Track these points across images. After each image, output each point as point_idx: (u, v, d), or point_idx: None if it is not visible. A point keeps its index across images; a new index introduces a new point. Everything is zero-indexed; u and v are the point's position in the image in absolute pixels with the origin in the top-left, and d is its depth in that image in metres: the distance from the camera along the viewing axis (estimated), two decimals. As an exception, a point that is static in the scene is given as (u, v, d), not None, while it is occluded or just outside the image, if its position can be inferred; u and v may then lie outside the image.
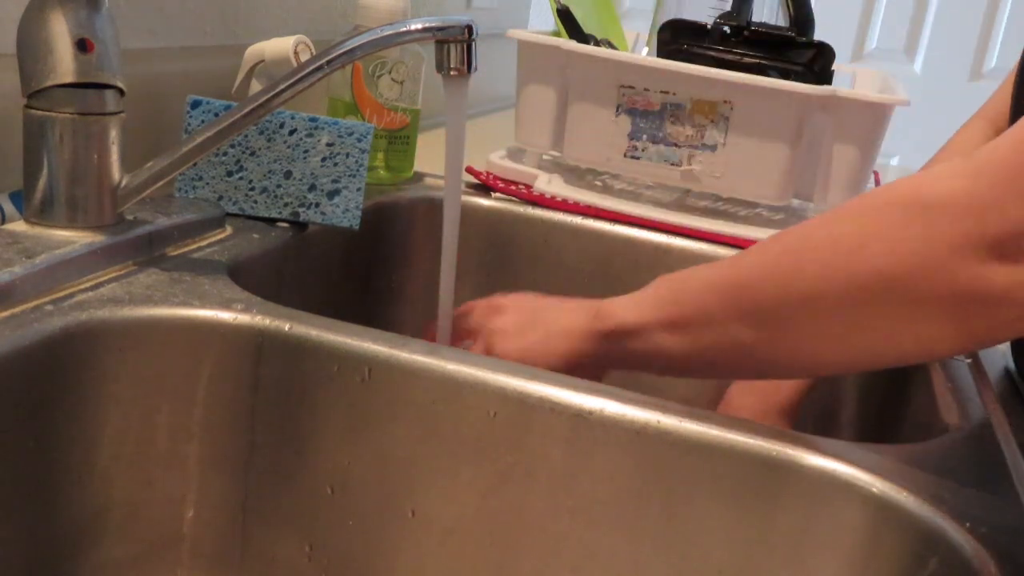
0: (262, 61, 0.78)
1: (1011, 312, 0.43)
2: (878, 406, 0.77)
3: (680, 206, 0.92)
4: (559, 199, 0.90)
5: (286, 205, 0.70)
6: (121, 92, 0.57)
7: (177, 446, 0.54)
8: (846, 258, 0.46)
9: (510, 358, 0.60)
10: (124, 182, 0.58)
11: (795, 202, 0.93)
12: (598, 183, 0.96)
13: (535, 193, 0.91)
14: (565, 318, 0.60)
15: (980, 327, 0.44)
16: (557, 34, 0.98)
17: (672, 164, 0.90)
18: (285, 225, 0.71)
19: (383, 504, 0.53)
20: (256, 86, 0.79)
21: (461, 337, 0.66)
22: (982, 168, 0.43)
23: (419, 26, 0.58)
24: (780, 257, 0.50)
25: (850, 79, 1.11)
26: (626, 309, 0.57)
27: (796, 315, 0.49)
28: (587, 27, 1.00)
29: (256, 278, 0.63)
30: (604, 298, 0.60)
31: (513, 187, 0.93)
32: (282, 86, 0.56)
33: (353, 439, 0.53)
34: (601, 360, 0.59)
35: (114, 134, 0.57)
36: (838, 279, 0.46)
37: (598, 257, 0.88)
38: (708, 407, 0.51)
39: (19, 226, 0.57)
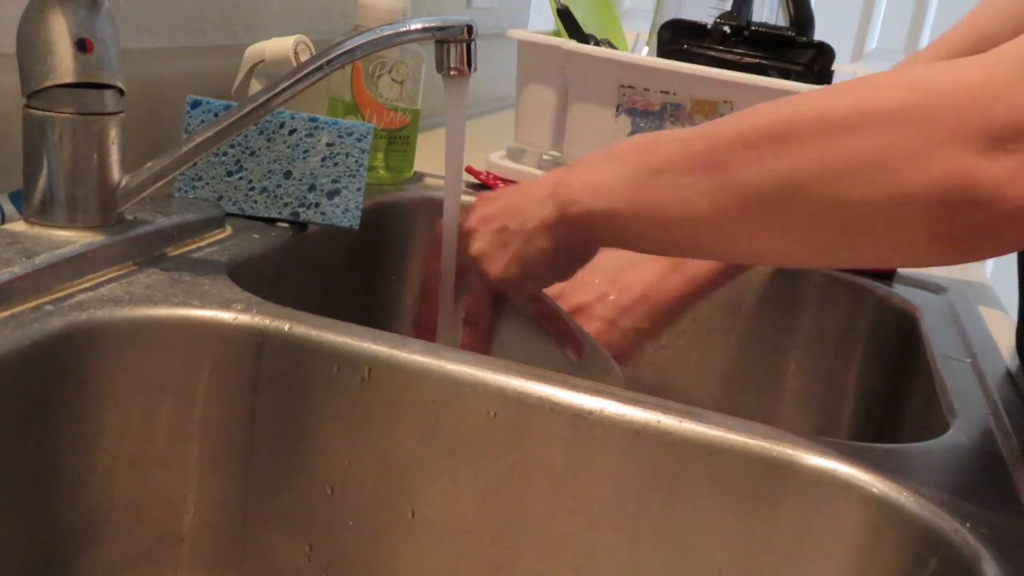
0: (262, 61, 0.78)
1: (999, 210, 0.39)
2: (878, 406, 0.77)
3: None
4: (559, 199, 0.90)
5: (286, 205, 0.70)
6: (121, 92, 0.57)
7: (177, 446, 0.54)
8: (828, 135, 0.43)
9: (509, 279, 0.60)
10: (124, 182, 0.58)
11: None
12: (598, 183, 0.96)
13: (535, 193, 0.91)
14: (533, 212, 0.58)
15: (962, 228, 0.40)
16: (557, 34, 0.98)
17: (672, 164, 0.89)
18: (285, 225, 0.71)
19: (383, 504, 0.53)
20: (256, 86, 0.79)
21: (459, 275, 0.64)
22: (998, 59, 0.40)
23: (419, 26, 0.58)
24: (763, 126, 0.47)
25: (850, 79, 1.11)
26: (592, 193, 0.55)
27: (771, 194, 0.46)
28: (587, 27, 1.00)
29: (256, 278, 0.63)
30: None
31: (513, 187, 0.93)
32: (282, 86, 0.56)
33: (353, 439, 0.53)
34: (586, 242, 0.58)
35: (114, 134, 0.57)
36: (816, 156, 0.43)
37: (598, 257, 0.87)
38: (709, 407, 0.51)
39: (19, 226, 0.57)
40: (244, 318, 0.53)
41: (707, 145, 0.49)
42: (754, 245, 0.49)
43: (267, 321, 0.53)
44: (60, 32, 0.54)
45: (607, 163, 0.55)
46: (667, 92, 0.88)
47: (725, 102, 0.87)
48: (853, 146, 0.42)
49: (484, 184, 0.93)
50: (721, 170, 0.48)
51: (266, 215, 0.70)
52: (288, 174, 0.70)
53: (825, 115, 0.44)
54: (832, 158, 0.43)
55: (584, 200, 0.55)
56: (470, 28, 0.59)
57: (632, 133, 0.90)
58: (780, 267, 0.67)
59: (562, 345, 0.66)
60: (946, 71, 0.42)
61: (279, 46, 0.77)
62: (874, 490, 0.46)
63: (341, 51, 0.57)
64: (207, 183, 0.69)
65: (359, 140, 0.70)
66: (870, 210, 0.43)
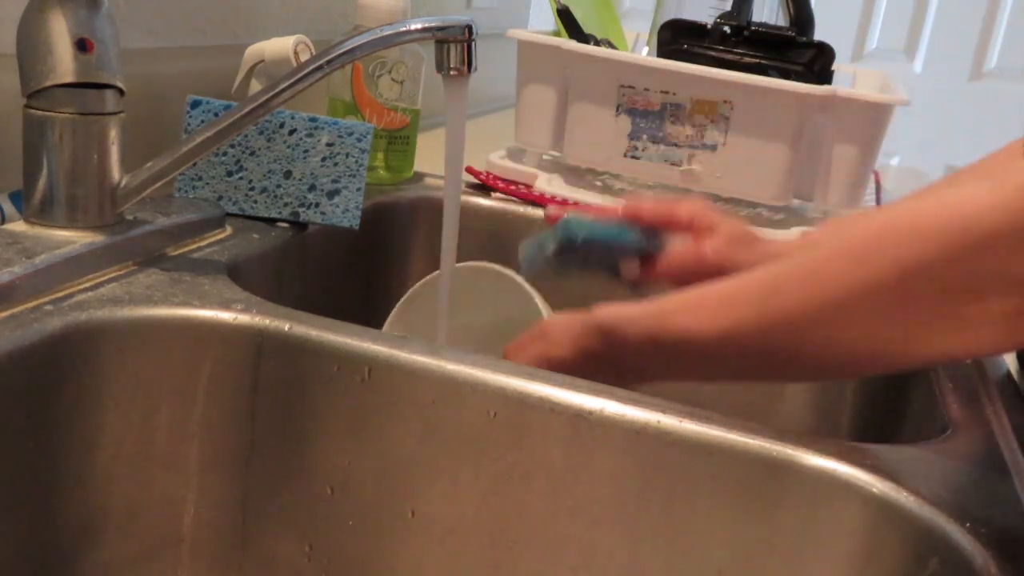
0: (262, 61, 0.78)
1: None
2: (878, 406, 0.77)
3: (680, 206, 0.92)
4: (559, 199, 0.90)
5: (286, 205, 0.70)
6: (121, 92, 0.57)
7: (177, 446, 0.54)
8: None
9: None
10: (124, 182, 0.58)
11: (795, 202, 0.93)
12: (598, 183, 0.96)
13: (535, 193, 0.91)
14: (631, 363, 0.57)
15: None
16: (557, 34, 0.98)
17: (672, 164, 0.90)
18: (285, 225, 0.71)
19: (383, 504, 0.53)
20: (256, 86, 0.79)
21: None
22: None
23: (419, 26, 0.58)
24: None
25: (850, 79, 1.11)
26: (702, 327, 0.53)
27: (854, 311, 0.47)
28: (587, 27, 1.00)
29: (256, 278, 0.63)
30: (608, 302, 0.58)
31: (513, 187, 0.93)
32: (282, 86, 0.56)
33: (353, 439, 0.53)
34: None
35: (114, 134, 0.57)
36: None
37: (598, 257, 0.87)
38: (709, 407, 0.51)
39: (19, 226, 0.57)
40: (244, 318, 0.53)
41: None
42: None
43: (267, 321, 0.53)
44: (60, 32, 0.54)
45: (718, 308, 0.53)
46: (667, 92, 0.88)
47: (725, 102, 0.87)
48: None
49: (484, 184, 0.93)
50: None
51: (266, 215, 0.70)
52: (288, 174, 0.70)
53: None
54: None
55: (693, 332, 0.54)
56: (470, 28, 0.59)
57: (632, 133, 0.90)
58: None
59: None
60: None
61: (279, 46, 0.77)
62: (874, 490, 0.46)
63: (341, 51, 0.57)
64: (207, 183, 0.69)
65: (359, 140, 0.70)
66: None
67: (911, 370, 0.55)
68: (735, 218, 0.68)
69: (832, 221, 0.51)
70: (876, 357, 0.49)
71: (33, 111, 0.55)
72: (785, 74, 0.90)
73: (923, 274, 0.45)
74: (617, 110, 0.90)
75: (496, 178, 0.94)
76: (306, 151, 0.69)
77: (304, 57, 0.78)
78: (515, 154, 0.99)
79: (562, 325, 0.58)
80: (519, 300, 0.70)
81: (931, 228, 0.45)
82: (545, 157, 0.98)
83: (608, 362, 0.56)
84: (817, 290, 0.49)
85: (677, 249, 0.66)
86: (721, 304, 0.52)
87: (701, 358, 0.53)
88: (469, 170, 0.94)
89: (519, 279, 0.70)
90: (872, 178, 0.96)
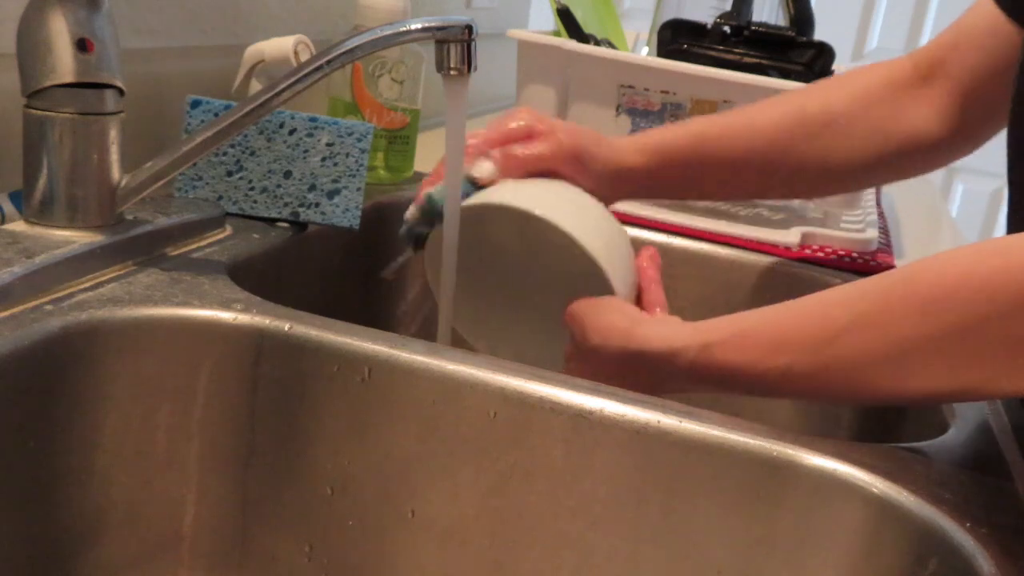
0: (262, 61, 0.78)
1: None
2: (878, 406, 0.77)
3: (680, 206, 0.92)
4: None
5: (286, 205, 0.70)
6: (121, 92, 0.57)
7: (177, 446, 0.54)
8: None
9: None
10: (124, 182, 0.58)
11: (795, 202, 0.93)
12: (598, 183, 0.96)
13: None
14: (669, 386, 0.58)
15: None
16: (557, 34, 0.98)
17: (672, 164, 0.89)
18: (285, 225, 0.71)
19: (383, 504, 0.53)
20: (256, 86, 0.79)
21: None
22: None
23: (419, 26, 0.58)
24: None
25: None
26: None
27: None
28: (587, 27, 1.00)
29: (256, 278, 0.63)
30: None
31: (513, 187, 0.93)
32: (282, 86, 0.56)
33: (353, 439, 0.53)
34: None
35: (114, 134, 0.57)
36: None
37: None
38: (709, 407, 0.51)
39: (19, 226, 0.57)
40: (244, 318, 0.53)
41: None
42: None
43: (267, 321, 0.53)
44: (60, 32, 0.54)
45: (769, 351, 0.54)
46: (667, 92, 0.88)
47: (725, 102, 0.87)
48: None
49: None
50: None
51: (266, 215, 0.70)
52: (288, 174, 0.70)
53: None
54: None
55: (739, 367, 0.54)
56: (470, 28, 0.59)
57: (632, 132, 0.90)
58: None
59: None
60: None
61: (279, 46, 0.77)
62: (874, 490, 0.46)
63: (341, 51, 0.57)
64: (207, 183, 0.69)
65: (359, 140, 0.70)
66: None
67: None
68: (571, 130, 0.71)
69: (882, 276, 0.52)
70: (951, 396, 0.50)
71: (33, 111, 0.55)
72: (785, 74, 0.90)
73: (991, 330, 0.46)
74: (617, 110, 0.90)
75: (496, 178, 0.94)
76: (306, 151, 0.69)
77: (304, 57, 0.78)
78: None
79: (608, 352, 0.59)
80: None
81: (998, 285, 0.45)
82: (545, 157, 0.98)
83: (651, 384, 0.56)
84: (880, 342, 0.49)
85: (524, 152, 0.68)
86: (773, 346, 0.52)
87: (751, 389, 0.54)
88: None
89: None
90: (872, 178, 0.96)
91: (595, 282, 0.63)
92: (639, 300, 0.66)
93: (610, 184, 0.72)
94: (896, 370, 0.49)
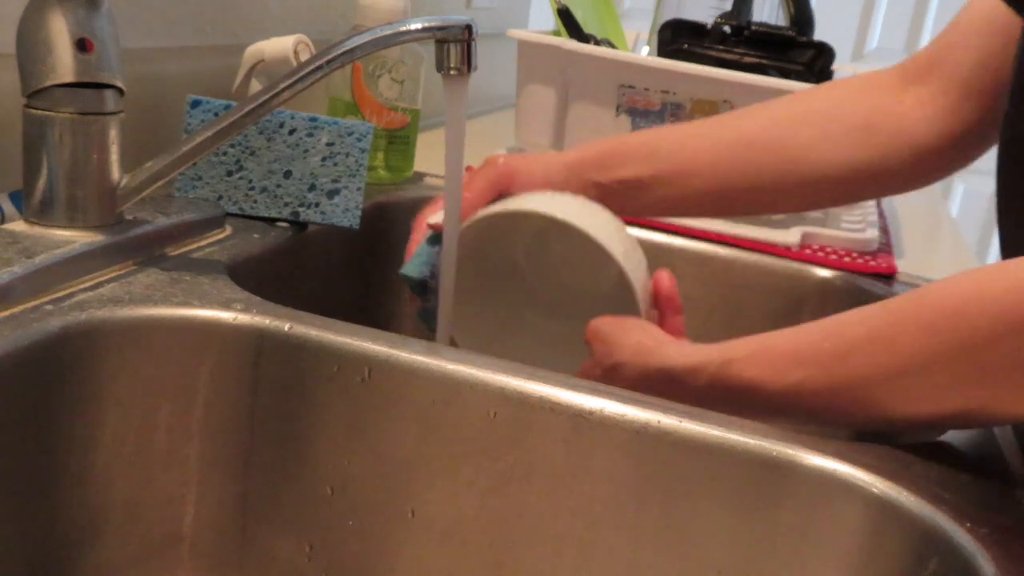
0: (262, 61, 0.78)
1: None
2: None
3: (680, 206, 0.92)
4: (559, 199, 0.90)
5: (286, 205, 0.70)
6: (121, 92, 0.57)
7: (177, 446, 0.54)
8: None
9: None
10: (124, 182, 0.58)
11: (795, 202, 0.93)
12: (598, 183, 0.96)
13: (535, 193, 0.91)
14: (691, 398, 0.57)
15: None
16: (557, 34, 0.98)
17: (672, 164, 0.89)
18: (285, 225, 0.71)
19: (383, 504, 0.53)
20: (256, 86, 0.79)
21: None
22: None
23: (419, 26, 0.58)
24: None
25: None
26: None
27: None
28: (587, 27, 1.00)
29: (256, 278, 0.63)
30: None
31: (513, 187, 0.93)
32: (282, 86, 0.56)
33: (353, 439, 0.53)
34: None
35: (113, 134, 0.57)
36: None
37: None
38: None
39: (19, 226, 0.57)
40: (244, 318, 0.53)
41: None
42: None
43: (267, 321, 0.53)
44: (60, 32, 0.54)
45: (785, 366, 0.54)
46: (667, 92, 0.88)
47: (725, 102, 0.87)
48: None
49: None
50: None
51: (266, 215, 0.70)
52: (288, 174, 0.70)
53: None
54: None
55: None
56: (470, 28, 0.59)
57: (632, 132, 0.90)
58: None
59: None
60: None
61: (279, 46, 0.77)
62: (874, 490, 0.46)
63: (341, 51, 0.57)
64: (207, 183, 0.69)
65: (359, 140, 0.70)
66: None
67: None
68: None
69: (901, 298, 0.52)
70: (954, 418, 0.50)
71: (33, 111, 0.55)
72: (785, 74, 0.90)
73: (999, 349, 0.46)
74: (617, 110, 0.90)
75: (496, 178, 0.94)
76: (306, 151, 0.69)
77: (304, 57, 0.78)
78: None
79: (631, 370, 0.59)
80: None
81: (1006, 305, 0.46)
82: (545, 157, 0.98)
83: (671, 398, 0.56)
84: (889, 357, 0.50)
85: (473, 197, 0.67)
86: (789, 361, 0.53)
87: (766, 406, 0.54)
88: (469, 170, 0.94)
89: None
90: (872, 178, 0.96)
91: (622, 301, 0.62)
92: (660, 324, 0.65)
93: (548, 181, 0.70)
94: (905, 387, 0.49)
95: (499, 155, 0.71)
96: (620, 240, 0.63)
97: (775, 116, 0.71)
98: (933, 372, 0.48)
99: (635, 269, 0.63)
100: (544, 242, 0.70)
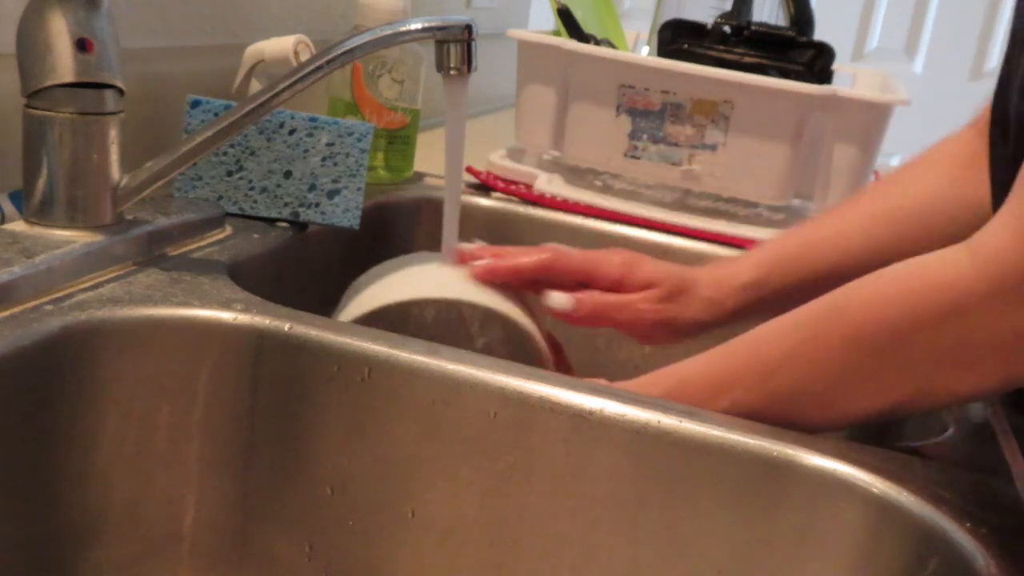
0: (262, 61, 0.78)
1: None
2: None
3: (680, 206, 0.92)
4: (559, 199, 0.90)
5: (286, 205, 0.70)
6: (121, 92, 0.57)
7: (177, 446, 0.54)
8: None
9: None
10: (124, 182, 0.58)
11: (795, 202, 0.93)
12: (598, 183, 0.96)
13: (535, 193, 0.91)
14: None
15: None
16: (557, 34, 0.98)
17: (672, 164, 0.90)
18: (285, 225, 0.71)
19: (383, 504, 0.53)
20: (256, 86, 0.79)
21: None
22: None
23: (419, 26, 0.58)
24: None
25: (850, 79, 1.11)
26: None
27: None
28: (587, 27, 1.00)
29: (256, 278, 0.63)
30: None
31: (513, 187, 0.93)
32: (282, 86, 0.56)
33: (353, 439, 0.53)
34: None
35: (113, 134, 0.57)
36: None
37: (598, 257, 0.87)
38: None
39: (19, 226, 0.57)
40: (244, 318, 0.53)
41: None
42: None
43: (267, 321, 0.53)
44: (60, 32, 0.54)
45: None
46: (667, 92, 0.88)
47: (725, 102, 0.87)
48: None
49: (484, 184, 0.93)
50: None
51: (266, 215, 0.70)
52: (288, 174, 0.70)
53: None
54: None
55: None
56: (470, 28, 0.59)
57: (632, 133, 0.90)
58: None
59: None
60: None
61: (279, 46, 0.77)
62: (874, 490, 0.46)
63: (341, 51, 0.57)
64: (207, 183, 0.69)
65: (359, 140, 0.70)
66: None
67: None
68: (667, 265, 0.68)
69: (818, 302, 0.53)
70: (891, 411, 0.51)
71: (33, 111, 0.55)
72: (785, 74, 0.90)
73: (917, 346, 0.48)
74: (617, 110, 0.90)
75: (496, 178, 0.94)
76: (306, 151, 0.69)
77: (304, 57, 0.78)
78: (515, 154, 0.99)
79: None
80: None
81: (918, 303, 0.47)
82: (545, 157, 0.98)
83: None
84: (811, 373, 0.51)
85: (607, 302, 0.66)
86: (713, 389, 0.54)
87: None
88: (469, 170, 0.94)
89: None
90: (872, 178, 0.96)
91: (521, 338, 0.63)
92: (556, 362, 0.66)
93: (721, 305, 0.69)
94: (833, 398, 0.51)
95: (618, 251, 0.70)
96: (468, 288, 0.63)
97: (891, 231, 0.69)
98: (857, 381, 0.50)
99: (493, 298, 0.63)
100: (430, 321, 0.68)
